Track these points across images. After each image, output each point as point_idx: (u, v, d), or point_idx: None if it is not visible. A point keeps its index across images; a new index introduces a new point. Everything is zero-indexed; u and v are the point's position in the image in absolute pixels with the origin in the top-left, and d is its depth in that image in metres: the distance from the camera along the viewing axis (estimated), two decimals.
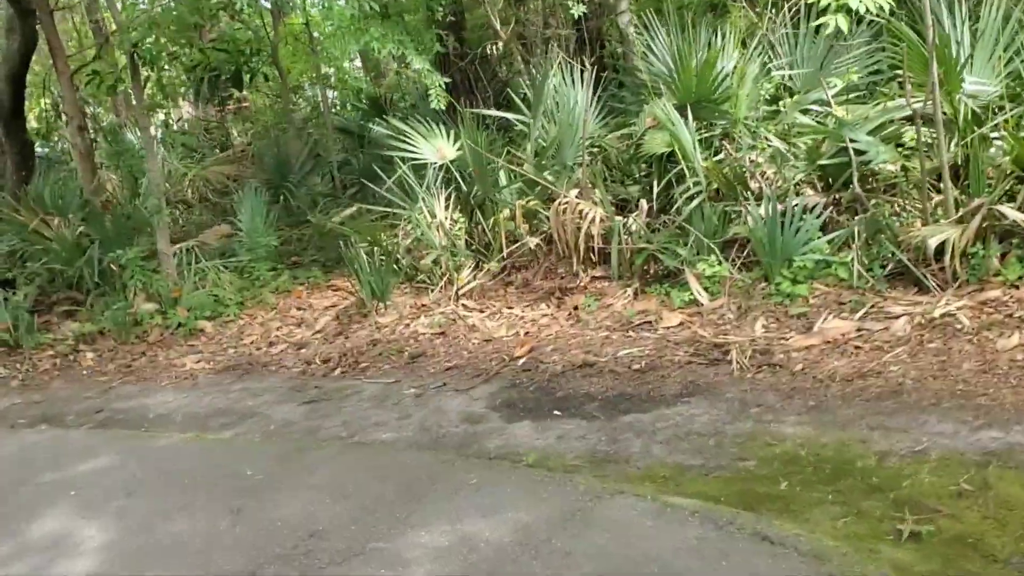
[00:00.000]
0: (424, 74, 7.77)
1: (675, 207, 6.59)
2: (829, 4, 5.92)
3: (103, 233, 8.11)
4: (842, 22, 5.86)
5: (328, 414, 5.06)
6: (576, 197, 6.90)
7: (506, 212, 7.03)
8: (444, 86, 7.87)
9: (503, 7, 9.21)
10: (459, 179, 7.52)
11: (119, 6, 10.33)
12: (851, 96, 6.56)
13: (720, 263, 5.84)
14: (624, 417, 4.39)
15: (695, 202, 6.03)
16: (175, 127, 16.38)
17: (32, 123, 13.48)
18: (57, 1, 10.08)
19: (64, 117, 10.87)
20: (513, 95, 8.16)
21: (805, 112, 6.55)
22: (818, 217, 5.71)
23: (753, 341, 5.07)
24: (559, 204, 6.57)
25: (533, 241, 6.96)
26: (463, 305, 6.75)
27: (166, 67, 11.17)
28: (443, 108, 7.81)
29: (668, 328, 5.56)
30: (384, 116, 14.04)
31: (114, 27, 10.10)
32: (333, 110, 13.97)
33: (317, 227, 8.85)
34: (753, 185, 6.21)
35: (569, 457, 4.00)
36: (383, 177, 8.28)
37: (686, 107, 6.86)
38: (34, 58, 10.51)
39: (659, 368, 4.99)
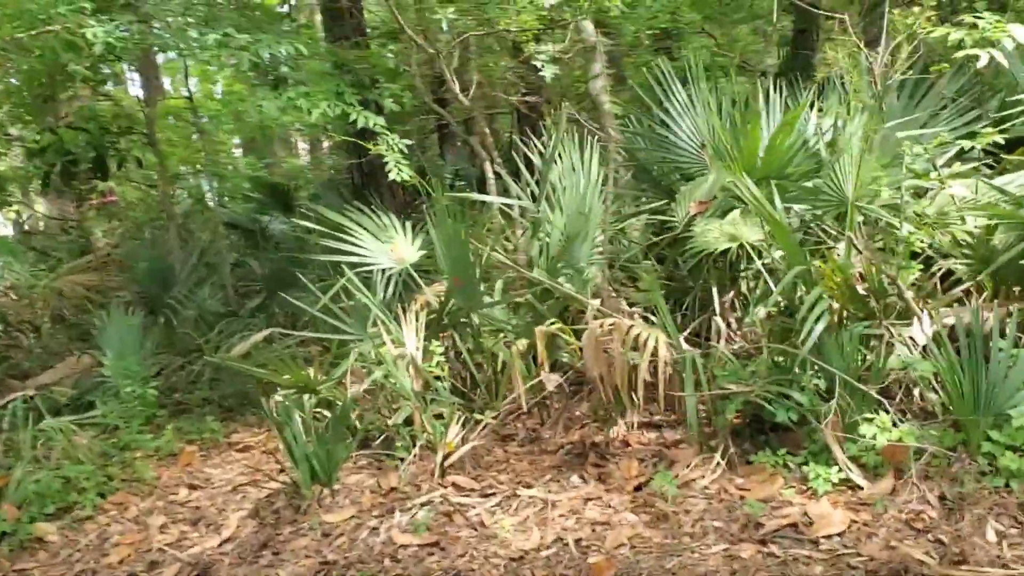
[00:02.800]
0: (385, 143, 5.57)
1: (746, 323, 4.54)
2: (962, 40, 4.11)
3: None
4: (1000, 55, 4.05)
5: None
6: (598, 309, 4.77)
7: (520, 343, 4.78)
8: (405, 152, 5.70)
9: (460, 65, 7.14)
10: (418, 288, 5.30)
11: None
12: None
13: (893, 424, 3.72)
14: None
15: (819, 324, 3.90)
16: (26, 226, 13.60)
17: None
18: None
19: None
20: (489, 174, 6.05)
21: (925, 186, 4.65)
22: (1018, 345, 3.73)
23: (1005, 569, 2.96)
24: (600, 327, 4.36)
25: (554, 381, 4.73)
26: (454, 485, 4.41)
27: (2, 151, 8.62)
28: (404, 182, 5.64)
29: (832, 537, 3.38)
30: (290, 207, 11.91)
31: None
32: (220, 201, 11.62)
33: (213, 362, 6.37)
34: (892, 293, 4.18)
35: None
36: (302, 286, 6.03)
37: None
38: None
39: None
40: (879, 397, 3.88)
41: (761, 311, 4.40)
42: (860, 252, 4.24)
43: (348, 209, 5.82)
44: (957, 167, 4.60)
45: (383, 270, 5.55)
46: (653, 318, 5.02)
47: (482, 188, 6.42)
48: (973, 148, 4.89)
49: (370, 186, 10.82)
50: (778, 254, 4.66)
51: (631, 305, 5.21)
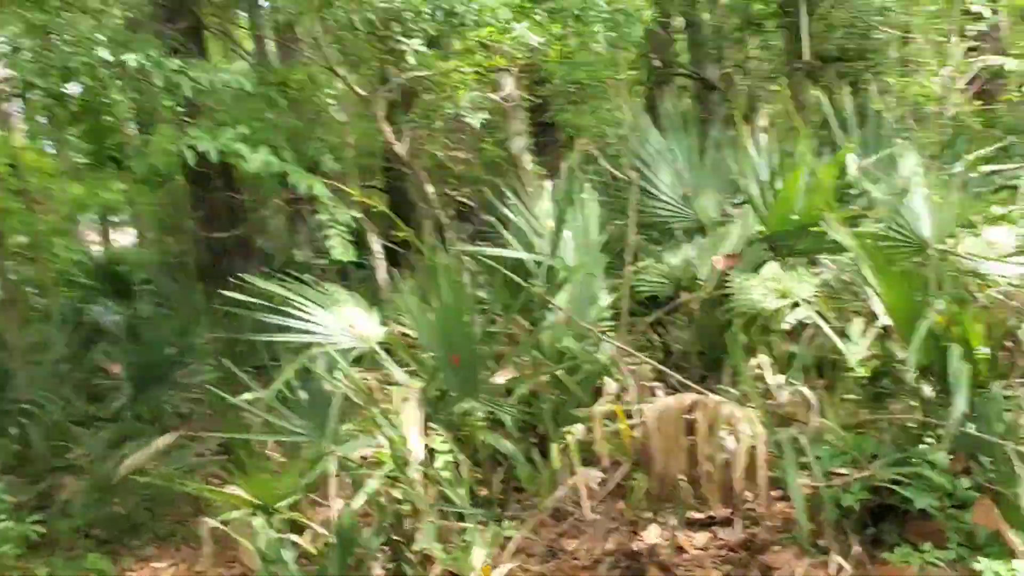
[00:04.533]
0: (322, 206, 4.49)
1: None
2: None
3: None
4: None
5: None
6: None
7: (573, 435, 3.75)
8: (351, 225, 4.66)
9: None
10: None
11: None
12: None
13: None
14: None
15: (962, 387, 3.20)
16: None
17: None
18: None
19: None
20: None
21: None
22: None
23: None
24: (675, 406, 3.45)
25: (595, 478, 3.76)
26: None
27: None
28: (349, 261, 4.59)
29: None
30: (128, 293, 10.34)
31: None
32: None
33: (98, 480, 4.90)
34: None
35: None
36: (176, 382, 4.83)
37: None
38: None
39: None
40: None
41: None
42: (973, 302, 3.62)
43: (278, 279, 4.68)
44: None
45: (341, 351, 4.42)
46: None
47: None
48: None
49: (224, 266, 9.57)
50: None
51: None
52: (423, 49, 5.50)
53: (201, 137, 3.80)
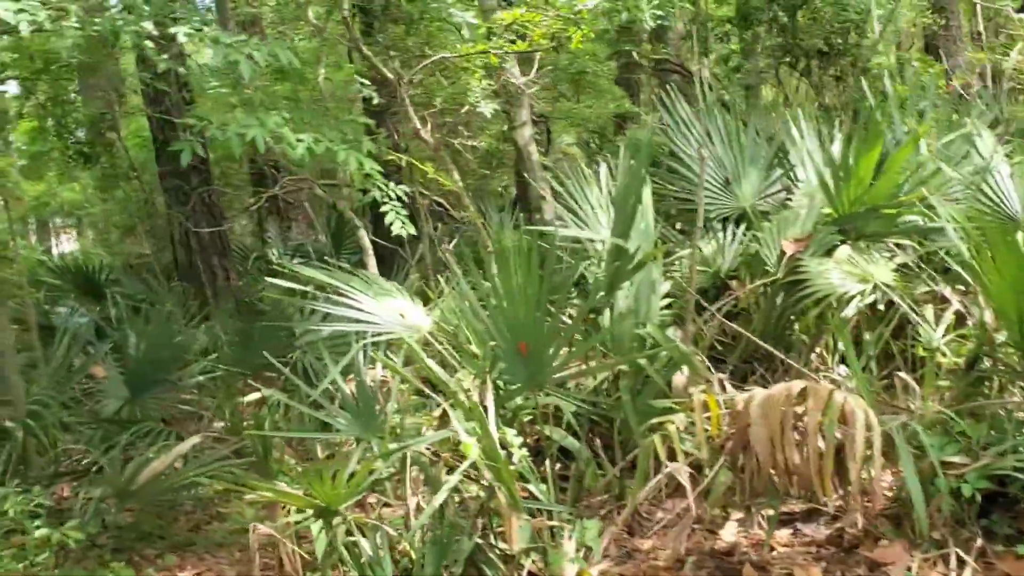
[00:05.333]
0: (373, 183, 4.19)
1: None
2: None
3: None
4: None
5: None
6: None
7: (674, 424, 3.50)
8: (404, 199, 4.38)
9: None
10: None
11: None
12: None
13: None
14: None
15: None
16: None
17: None
18: None
19: None
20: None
21: None
22: None
23: None
24: (781, 397, 3.24)
25: (684, 473, 3.54)
26: None
27: None
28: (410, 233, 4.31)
29: None
30: (99, 293, 9.84)
31: None
32: None
33: (117, 486, 4.50)
34: None
35: None
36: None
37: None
38: None
39: None
40: None
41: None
42: None
43: (321, 267, 4.38)
44: None
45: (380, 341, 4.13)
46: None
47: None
48: None
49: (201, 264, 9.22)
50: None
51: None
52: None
53: (251, 124, 3.46)
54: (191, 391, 6.36)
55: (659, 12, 4.87)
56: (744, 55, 9.56)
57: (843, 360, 4.20)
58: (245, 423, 5.33)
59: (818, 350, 4.41)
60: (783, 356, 3.84)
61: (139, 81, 8.81)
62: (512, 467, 3.43)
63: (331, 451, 4.92)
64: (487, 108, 6.36)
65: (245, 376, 5.97)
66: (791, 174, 5.02)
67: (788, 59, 9.41)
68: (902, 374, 3.51)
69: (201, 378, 6.34)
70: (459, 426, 3.39)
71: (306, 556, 3.72)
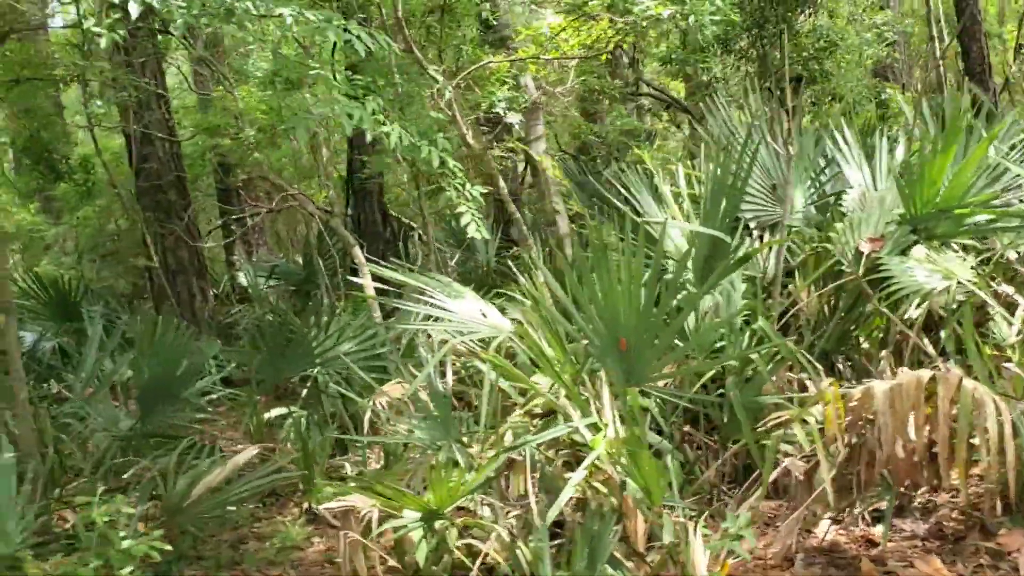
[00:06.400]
0: (450, 182, 4.09)
1: None
2: None
3: None
4: None
5: None
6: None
7: (811, 415, 3.44)
8: (481, 203, 4.29)
9: None
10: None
11: None
12: None
13: None
14: None
15: None
16: None
17: None
18: None
19: None
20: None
21: None
22: None
23: None
24: (911, 386, 3.23)
25: (800, 467, 3.50)
26: None
27: None
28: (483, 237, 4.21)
29: None
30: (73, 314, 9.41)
31: None
32: None
33: (167, 501, 4.23)
34: None
35: None
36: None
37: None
38: None
39: None
40: None
41: None
42: None
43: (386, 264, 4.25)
44: None
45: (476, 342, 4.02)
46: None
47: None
48: None
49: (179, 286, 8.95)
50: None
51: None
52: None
53: (353, 107, 3.33)
54: (205, 408, 6.12)
55: (715, 18, 4.86)
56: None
57: (943, 353, 4.19)
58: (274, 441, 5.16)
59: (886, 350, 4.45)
60: (862, 355, 3.84)
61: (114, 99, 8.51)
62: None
63: (383, 462, 4.79)
64: (515, 119, 6.32)
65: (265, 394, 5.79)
66: (840, 179, 5.10)
67: (766, 84, 9.65)
68: (1011, 365, 3.54)
69: (215, 395, 6.13)
70: (579, 422, 3.30)
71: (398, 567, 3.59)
